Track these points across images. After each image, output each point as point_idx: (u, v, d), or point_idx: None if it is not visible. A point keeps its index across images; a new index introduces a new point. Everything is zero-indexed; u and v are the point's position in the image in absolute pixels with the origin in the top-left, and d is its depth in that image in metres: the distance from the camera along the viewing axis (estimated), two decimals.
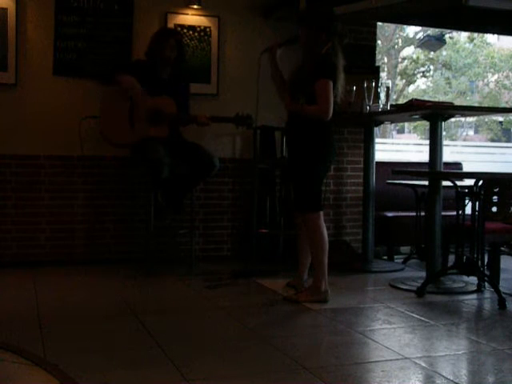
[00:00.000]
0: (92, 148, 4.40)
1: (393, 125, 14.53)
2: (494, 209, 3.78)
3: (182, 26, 4.67)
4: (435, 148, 4.00)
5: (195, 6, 4.65)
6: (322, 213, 3.53)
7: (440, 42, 10.09)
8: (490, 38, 20.14)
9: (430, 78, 21.49)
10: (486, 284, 3.83)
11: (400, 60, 19.81)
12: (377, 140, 4.88)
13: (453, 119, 4.32)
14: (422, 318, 3.20)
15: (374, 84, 4.38)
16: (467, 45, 20.36)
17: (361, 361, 2.60)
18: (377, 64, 5.38)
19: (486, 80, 21.49)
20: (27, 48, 4.33)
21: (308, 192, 3.51)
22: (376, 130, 4.85)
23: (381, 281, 4.22)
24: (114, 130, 4.14)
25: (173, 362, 2.42)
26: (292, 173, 3.64)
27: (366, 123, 4.73)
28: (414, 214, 4.74)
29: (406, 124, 21.51)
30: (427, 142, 4.13)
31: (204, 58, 4.73)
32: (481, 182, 3.65)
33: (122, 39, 4.52)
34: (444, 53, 19.67)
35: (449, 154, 5.93)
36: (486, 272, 3.99)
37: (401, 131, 24.12)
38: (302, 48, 3.60)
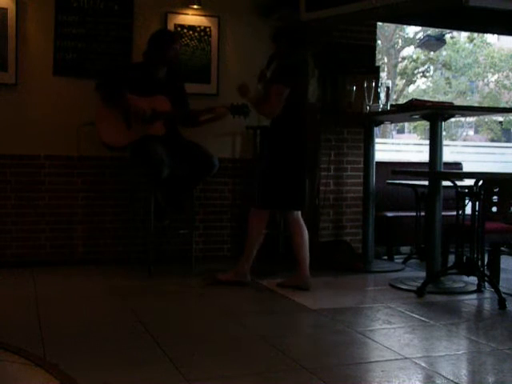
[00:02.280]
0: (92, 148, 4.40)
1: (393, 125, 14.54)
2: (494, 209, 3.78)
3: (182, 26, 4.67)
4: (435, 148, 4.00)
5: (195, 6, 4.65)
6: (268, 212, 3.84)
7: (440, 41, 10.09)
8: (490, 37, 20.14)
9: (430, 78, 21.49)
10: (486, 284, 3.83)
11: (400, 60, 19.81)
12: (377, 140, 4.88)
13: (453, 119, 4.32)
14: (422, 318, 3.20)
15: (374, 84, 4.38)
16: (467, 45, 20.36)
17: (361, 361, 2.60)
18: (377, 64, 5.37)
19: (486, 80, 21.49)
20: (27, 48, 4.33)
21: (265, 189, 3.79)
22: (376, 129, 4.85)
23: (381, 281, 4.21)
24: (111, 135, 4.14)
25: (173, 362, 2.42)
26: (260, 171, 3.92)
27: (366, 123, 4.73)
28: (414, 214, 4.73)
29: (406, 124, 21.51)
30: (427, 142, 4.13)
31: (204, 58, 4.73)
32: (481, 182, 3.65)
33: (122, 39, 4.52)
34: (444, 53, 19.67)
35: (449, 154, 5.94)
36: (486, 272, 3.99)
37: (401, 131, 24.12)
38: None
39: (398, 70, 19.69)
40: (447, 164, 4.77)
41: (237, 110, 4.15)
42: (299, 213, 3.87)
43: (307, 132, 3.85)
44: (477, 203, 3.69)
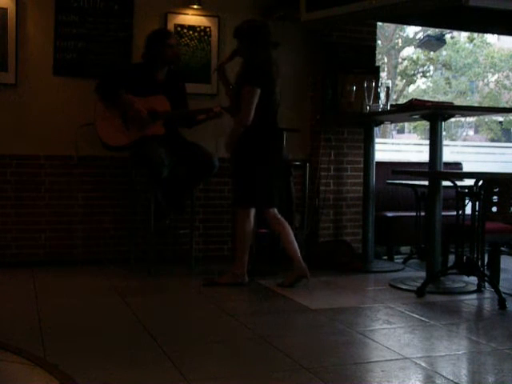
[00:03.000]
0: (92, 148, 4.40)
1: (393, 125, 14.53)
2: (494, 209, 3.78)
3: (182, 26, 4.67)
4: (435, 148, 4.00)
5: (195, 6, 4.65)
6: (251, 210, 3.88)
7: (440, 41, 10.08)
8: (490, 37, 20.14)
9: (430, 78, 21.49)
10: (486, 284, 3.83)
11: (400, 60, 19.80)
12: (377, 140, 4.88)
13: (453, 119, 4.32)
14: (422, 318, 3.20)
15: (373, 84, 4.38)
16: (467, 45, 20.35)
17: (361, 361, 2.60)
18: (377, 64, 5.38)
19: (486, 80, 21.49)
20: (27, 48, 4.33)
21: (240, 188, 3.90)
22: (376, 129, 4.85)
23: (381, 281, 4.21)
24: (111, 135, 4.14)
25: (173, 362, 2.42)
26: (232, 171, 4.03)
27: (366, 123, 4.73)
28: (414, 214, 4.73)
29: (406, 124, 21.51)
30: (427, 142, 4.12)
31: (204, 58, 4.73)
32: (481, 182, 3.65)
33: (122, 39, 4.52)
34: (444, 53, 19.67)
35: (449, 154, 5.93)
36: (486, 272, 3.99)
37: (401, 131, 24.11)
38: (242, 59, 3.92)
39: (398, 71, 19.68)
40: (447, 164, 4.77)
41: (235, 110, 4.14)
42: (275, 210, 3.95)
43: (279, 132, 3.97)
44: (477, 203, 3.69)
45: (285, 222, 3.94)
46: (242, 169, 3.90)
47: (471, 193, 3.70)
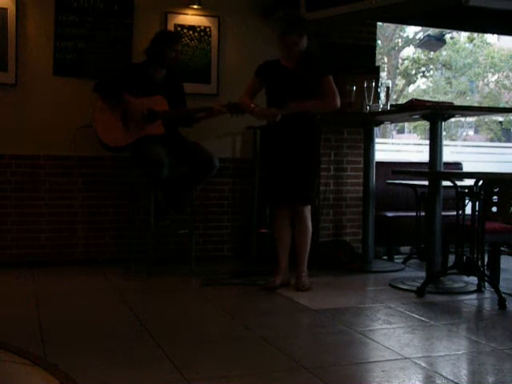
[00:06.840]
0: (92, 148, 4.40)
1: (393, 125, 14.53)
2: (494, 209, 3.78)
3: (182, 26, 4.67)
4: (435, 148, 4.00)
5: (195, 6, 4.65)
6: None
7: (440, 41, 10.07)
8: (490, 38, 20.13)
9: (430, 78, 21.49)
10: (486, 284, 3.83)
11: (400, 61, 19.81)
12: (377, 140, 4.88)
13: (453, 119, 4.32)
14: (422, 318, 3.20)
15: (373, 84, 4.38)
16: (467, 45, 20.35)
17: (361, 361, 2.60)
18: (377, 64, 5.38)
19: (486, 80, 21.48)
20: (27, 48, 4.34)
21: (312, 186, 3.82)
22: (376, 129, 4.85)
23: (381, 281, 4.22)
24: (110, 136, 4.13)
25: (173, 362, 2.42)
26: (295, 168, 3.77)
27: (366, 123, 4.73)
28: (414, 214, 4.73)
29: (406, 124, 21.48)
30: (427, 142, 4.13)
31: (204, 58, 4.73)
32: (481, 182, 3.65)
33: (122, 39, 4.52)
34: (444, 53, 19.66)
35: (449, 154, 5.93)
36: (486, 272, 3.99)
37: (401, 131, 24.10)
38: (291, 53, 3.77)
39: (398, 71, 19.68)
40: (447, 164, 4.77)
41: (234, 107, 4.14)
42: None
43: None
44: (477, 203, 3.69)
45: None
46: (313, 165, 3.82)
47: (471, 193, 3.70)
